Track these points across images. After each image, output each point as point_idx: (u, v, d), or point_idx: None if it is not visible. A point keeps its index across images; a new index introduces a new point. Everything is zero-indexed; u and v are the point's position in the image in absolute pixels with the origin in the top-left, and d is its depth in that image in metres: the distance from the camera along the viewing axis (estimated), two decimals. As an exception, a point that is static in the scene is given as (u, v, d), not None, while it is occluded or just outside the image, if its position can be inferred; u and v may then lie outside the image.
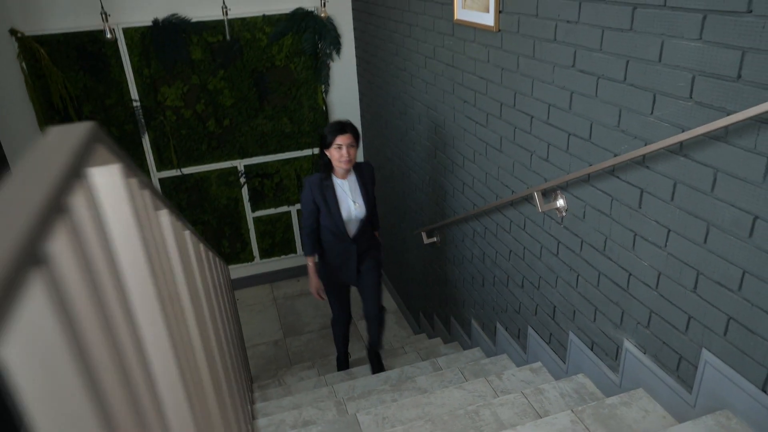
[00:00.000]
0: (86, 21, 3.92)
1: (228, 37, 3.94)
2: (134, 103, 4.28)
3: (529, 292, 2.63)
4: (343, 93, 4.87)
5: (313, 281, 3.21)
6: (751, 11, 1.31)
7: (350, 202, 2.97)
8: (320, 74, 4.68)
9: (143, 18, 4.07)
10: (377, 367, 3.44)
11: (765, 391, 1.47)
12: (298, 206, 5.05)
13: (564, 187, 2.18)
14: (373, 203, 3.08)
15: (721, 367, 1.60)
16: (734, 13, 1.34)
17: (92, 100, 4.17)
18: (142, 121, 4.34)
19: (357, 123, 5.04)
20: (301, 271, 5.31)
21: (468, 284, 3.35)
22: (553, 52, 2.08)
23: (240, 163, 4.76)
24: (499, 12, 2.39)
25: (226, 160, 4.71)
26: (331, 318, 3.55)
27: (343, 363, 3.68)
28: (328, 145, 2.84)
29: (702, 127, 1.44)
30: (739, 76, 1.37)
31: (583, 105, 1.97)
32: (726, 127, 1.41)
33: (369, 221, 3.09)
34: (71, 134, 0.48)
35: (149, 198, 0.84)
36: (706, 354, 1.64)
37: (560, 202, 2.20)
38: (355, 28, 4.66)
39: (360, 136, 2.87)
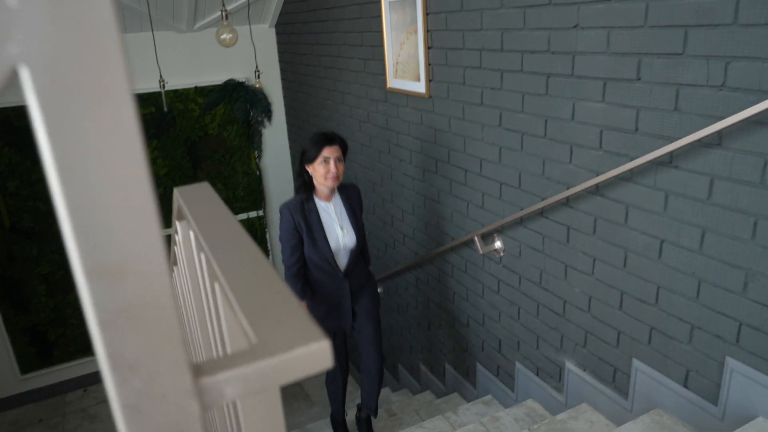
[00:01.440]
0: (14, 97, 3.89)
1: (165, 108, 4.04)
2: (63, 176, 4.21)
3: (475, 329, 2.85)
4: (276, 157, 5.05)
5: None
6: (639, 78, 1.66)
7: (337, 228, 2.52)
8: (253, 141, 4.85)
9: (74, 92, 4.09)
10: None
11: (686, 387, 1.75)
12: (234, 270, 5.05)
13: (500, 230, 2.46)
14: (362, 231, 2.64)
15: (649, 372, 1.87)
16: (628, 80, 1.70)
17: (18, 175, 4.07)
18: (72, 193, 4.27)
19: (289, 186, 5.21)
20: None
21: (414, 330, 3.53)
22: (481, 114, 2.40)
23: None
24: (430, 81, 2.71)
25: (163, 228, 4.68)
26: (325, 376, 3.04)
27: (341, 425, 3.06)
28: (311, 160, 2.41)
29: (612, 171, 1.76)
30: (637, 129, 1.71)
31: (511, 158, 2.28)
32: (631, 170, 1.74)
33: (360, 252, 2.64)
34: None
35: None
36: (636, 362, 1.92)
37: (498, 244, 2.47)
38: (285, 96, 4.91)
39: (348, 150, 2.52)
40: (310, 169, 2.44)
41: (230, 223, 0.56)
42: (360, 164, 3.70)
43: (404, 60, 2.86)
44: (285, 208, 2.47)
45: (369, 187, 3.65)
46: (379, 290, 3.16)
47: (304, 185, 2.49)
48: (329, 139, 2.42)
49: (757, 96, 1.37)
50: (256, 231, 5.05)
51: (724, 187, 1.50)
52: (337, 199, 2.57)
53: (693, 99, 1.53)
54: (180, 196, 0.73)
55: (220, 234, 0.55)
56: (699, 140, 1.50)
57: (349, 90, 3.59)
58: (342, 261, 2.57)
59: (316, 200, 2.51)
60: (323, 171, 2.40)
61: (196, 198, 0.66)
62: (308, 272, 2.58)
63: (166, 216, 4.66)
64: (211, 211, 0.62)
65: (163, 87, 3.86)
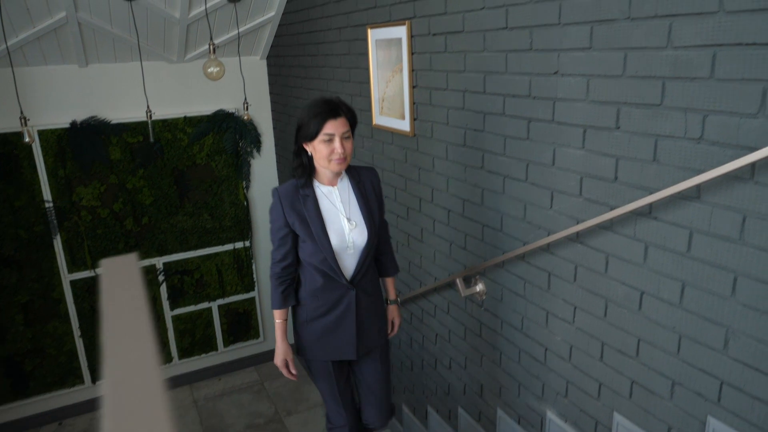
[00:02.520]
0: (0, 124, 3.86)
1: (152, 138, 4.02)
2: (47, 204, 4.16)
3: (457, 372, 2.78)
4: (265, 188, 5.01)
5: (280, 348, 2.13)
6: (618, 127, 1.65)
7: (343, 220, 2.01)
8: (241, 171, 4.82)
9: (61, 120, 4.07)
10: None
11: (669, 445, 1.69)
12: (219, 302, 4.98)
13: (482, 273, 2.41)
14: (379, 226, 2.12)
15: (630, 428, 1.81)
16: (607, 129, 1.68)
17: (0, 202, 4.02)
18: (55, 222, 4.21)
19: (278, 216, 5.16)
20: (223, 369, 5.14)
21: (397, 370, 3.45)
22: (464, 155, 2.38)
23: (159, 261, 4.67)
24: (414, 119, 2.70)
25: (144, 258, 4.61)
26: (326, 424, 2.36)
27: None
28: (311, 137, 1.91)
29: (592, 220, 1.73)
30: (616, 178, 1.68)
31: (493, 200, 2.25)
32: (611, 219, 1.70)
33: (374, 254, 2.14)
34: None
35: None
36: (617, 416, 1.85)
37: (480, 287, 2.42)
38: (275, 127, 4.91)
39: (357, 123, 2.04)
40: (309, 148, 1.95)
41: (135, 315, 0.52)
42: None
43: (390, 98, 2.86)
44: (276, 195, 2.01)
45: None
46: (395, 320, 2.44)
47: (302, 168, 1.99)
48: (333, 109, 1.90)
49: (735, 151, 1.35)
50: (243, 262, 4.99)
51: (704, 241, 1.46)
52: (344, 182, 2.05)
53: (671, 151, 1.50)
54: (103, 272, 0.68)
55: (119, 325, 0.50)
56: (678, 193, 1.47)
57: (336, 124, 3.58)
58: (348, 264, 2.02)
59: (316, 184, 2.01)
60: (326, 152, 1.90)
61: (116, 277, 0.61)
62: (306, 276, 2.05)
63: (147, 246, 4.59)
64: (122, 297, 0.57)
65: (150, 117, 3.84)
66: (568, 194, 1.87)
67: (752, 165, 1.31)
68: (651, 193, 1.56)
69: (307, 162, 1.99)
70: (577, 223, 1.84)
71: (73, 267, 4.37)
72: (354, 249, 2.03)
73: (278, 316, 2.13)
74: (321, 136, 1.91)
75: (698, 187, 1.45)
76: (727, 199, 1.39)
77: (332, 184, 2.04)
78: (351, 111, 1.98)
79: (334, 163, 1.95)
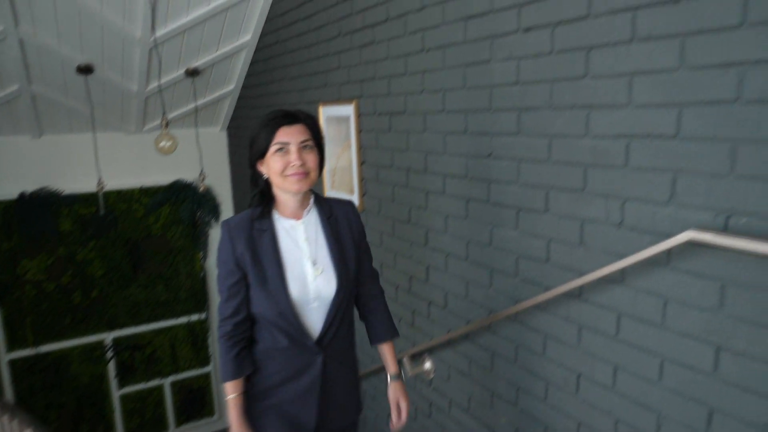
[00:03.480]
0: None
1: (102, 211, 3.96)
2: (-12, 278, 4.00)
3: (409, 454, 2.67)
4: (222, 258, 4.93)
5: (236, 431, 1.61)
6: (548, 210, 1.68)
7: (306, 263, 1.59)
8: (198, 241, 4.76)
9: (10, 192, 3.99)
10: None
11: None
12: (171, 378, 4.77)
13: (430, 351, 2.37)
14: (365, 274, 1.74)
15: None
16: (537, 212, 1.71)
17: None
18: (-4, 296, 4.04)
19: (236, 287, 5.06)
20: (172, 451, 4.85)
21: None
22: (409, 232, 2.39)
23: (108, 336, 4.49)
24: (363, 195, 2.73)
25: (92, 333, 4.43)
26: None
27: None
28: (262, 152, 1.54)
29: (528, 301, 1.73)
30: (548, 259, 1.70)
31: (437, 277, 2.25)
32: (546, 300, 1.71)
33: (348, 308, 1.67)
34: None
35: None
36: (563, 505, 1.79)
37: (428, 365, 2.37)
38: (234, 197, 4.90)
39: (323, 137, 1.64)
40: (263, 168, 1.57)
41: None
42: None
43: (340, 172, 2.89)
44: (225, 228, 1.59)
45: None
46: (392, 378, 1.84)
47: (261, 197, 1.61)
48: (286, 115, 1.54)
49: (652, 237, 1.38)
50: (198, 335, 4.83)
51: (630, 324, 1.47)
52: (311, 216, 1.64)
53: (596, 235, 1.54)
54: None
55: None
56: (604, 276, 1.49)
57: (291, 197, 3.59)
58: (313, 322, 1.59)
59: (276, 216, 1.61)
60: (280, 165, 1.51)
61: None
62: (261, 335, 1.61)
63: (96, 321, 4.41)
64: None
65: (101, 189, 3.80)
66: (506, 274, 1.88)
67: (668, 251, 1.34)
68: (581, 275, 1.58)
69: (265, 188, 1.59)
70: (515, 303, 1.84)
71: (13, 345, 4.15)
72: (319, 302, 1.58)
73: (231, 389, 1.60)
74: (273, 147, 1.51)
75: (622, 271, 1.47)
76: (649, 283, 1.41)
77: (296, 216, 1.61)
78: (311, 118, 1.59)
79: (291, 181, 1.52)
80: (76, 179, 4.16)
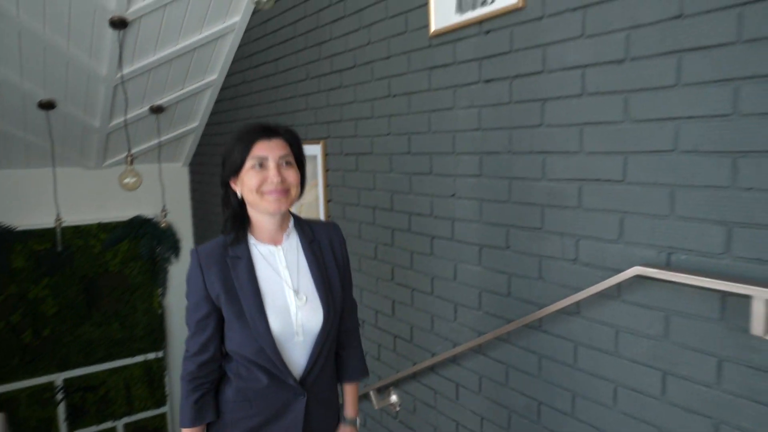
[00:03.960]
0: None
1: (59, 247, 3.87)
2: (-67, 318, 3.82)
3: (375, 490, 2.69)
4: (182, 294, 4.86)
5: None
6: (509, 247, 1.80)
7: (288, 293, 1.46)
8: (158, 277, 4.68)
9: (-40, 227, 3.86)
10: None
11: None
12: (125, 420, 4.60)
13: (396, 384, 2.43)
14: (343, 301, 1.56)
15: None
16: (499, 248, 1.83)
17: None
18: (-60, 336, 3.85)
19: (194, 324, 4.97)
20: (124, 498, 4.64)
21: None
22: (375, 268, 2.47)
23: (58, 377, 4.32)
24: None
25: (41, 374, 4.25)
26: None
27: None
28: (236, 168, 1.41)
29: (490, 333, 1.83)
30: (509, 293, 1.81)
31: (403, 311, 2.33)
32: (508, 332, 1.81)
33: (332, 342, 1.55)
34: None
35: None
36: None
37: (393, 398, 2.42)
38: (195, 233, 4.86)
39: (304, 155, 1.51)
40: (237, 186, 1.43)
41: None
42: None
43: (307, 210, 2.96)
44: (194, 254, 1.44)
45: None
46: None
47: (234, 219, 1.45)
48: (264, 129, 1.41)
49: (604, 272, 1.51)
50: (154, 375, 4.70)
51: (586, 353, 1.58)
52: (292, 240, 1.50)
53: (552, 270, 1.66)
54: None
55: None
56: (561, 309, 1.61)
57: (255, 233, 3.62)
58: (296, 359, 1.46)
59: (252, 241, 1.46)
60: (256, 182, 1.37)
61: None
62: (233, 372, 1.47)
63: (46, 361, 4.25)
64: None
65: (59, 225, 3.73)
66: (470, 307, 1.98)
67: (618, 285, 1.47)
68: (540, 308, 1.69)
69: (239, 210, 1.45)
70: (479, 335, 1.94)
71: (-44, 387, 3.95)
72: (304, 336, 1.44)
73: None
74: (249, 162, 1.38)
75: (577, 304, 1.59)
76: (602, 315, 1.53)
77: (275, 242, 1.47)
78: (291, 133, 1.46)
79: (268, 199, 1.38)
80: (32, 214, 4.07)
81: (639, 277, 1.41)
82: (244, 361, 1.43)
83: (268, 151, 1.38)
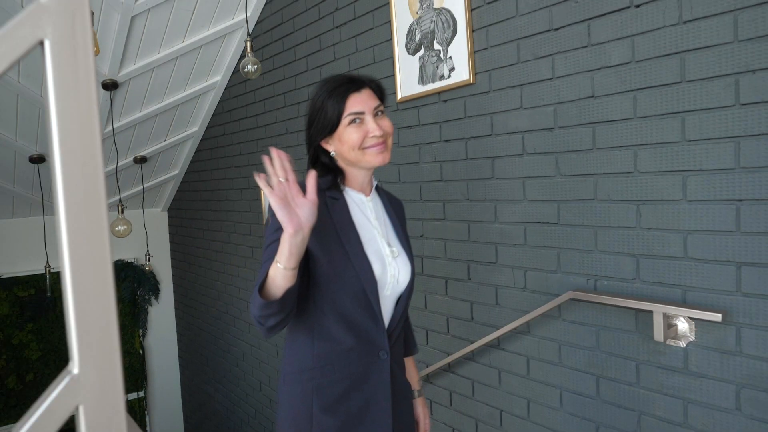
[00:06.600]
0: None
1: (49, 293, 4.03)
2: None
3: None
4: (162, 335, 5.02)
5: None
6: (470, 279, 2.14)
7: (381, 241, 1.38)
8: (138, 319, 4.84)
9: (-54, 277, 3.98)
10: None
11: None
12: (106, 461, 4.67)
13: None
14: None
15: None
16: (462, 281, 2.17)
17: None
18: (-76, 386, 3.92)
19: (174, 361, 5.12)
20: None
21: None
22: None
23: (41, 421, 4.39)
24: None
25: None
26: None
27: None
28: (331, 126, 1.32)
29: (456, 353, 2.15)
30: (472, 318, 2.14)
31: (381, 339, 2.62)
32: (472, 351, 2.13)
33: (408, 306, 1.47)
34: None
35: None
36: None
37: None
38: (174, 275, 5.06)
39: (386, 98, 1.44)
40: (330, 146, 1.36)
41: None
42: (247, 342, 3.86)
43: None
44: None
45: (256, 366, 3.77)
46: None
47: (326, 170, 1.38)
48: (352, 81, 1.34)
49: (547, 297, 1.86)
50: (135, 415, 4.81)
51: (537, 365, 1.92)
52: (376, 198, 1.47)
53: (507, 297, 2.00)
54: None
55: None
56: (515, 329, 1.94)
57: (238, 273, 3.88)
58: (386, 316, 1.36)
59: (348, 192, 1.40)
60: (358, 137, 1.31)
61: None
62: (314, 336, 1.31)
63: (30, 406, 4.34)
64: None
65: (49, 271, 3.90)
66: (438, 332, 2.30)
67: (558, 307, 1.81)
68: (497, 329, 2.02)
69: (330, 163, 1.38)
70: (448, 355, 2.25)
71: (-59, 436, 4.00)
72: (392, 290, 1.35)
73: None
74: (346, 119, 1.31)
75: (528, 324, 1.93)
76: (547, 332, 1.87)
77: (365, 192, 1.42)
78: (375, 81, 1.40)
79: (371, 153, 1.32)
80: (17, 262, 4.22)
81: (573, 300, 1.76)
82: (332, 313, 1.29)
83: (362, 104, 1.32)
